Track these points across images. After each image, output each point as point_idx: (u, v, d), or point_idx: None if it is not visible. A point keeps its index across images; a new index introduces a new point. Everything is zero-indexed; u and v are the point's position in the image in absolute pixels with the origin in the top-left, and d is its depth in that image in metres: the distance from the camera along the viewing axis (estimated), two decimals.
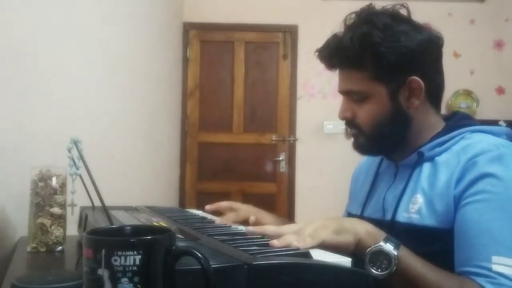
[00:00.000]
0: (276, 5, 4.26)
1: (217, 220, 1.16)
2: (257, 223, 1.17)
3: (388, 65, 1.02)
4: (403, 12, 1.07)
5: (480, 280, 0.86)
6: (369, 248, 0.86)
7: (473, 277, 0.87)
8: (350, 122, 1.10)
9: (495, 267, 0.86)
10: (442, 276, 0.88)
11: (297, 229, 0.86)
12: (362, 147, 1.11)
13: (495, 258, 0.87)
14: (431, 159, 1.04)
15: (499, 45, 4.28)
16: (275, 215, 1.28)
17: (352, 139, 1.13)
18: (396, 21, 1.04)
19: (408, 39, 1.02)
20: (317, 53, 1.09)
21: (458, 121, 1.10)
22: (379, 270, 0.85)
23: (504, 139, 1.03)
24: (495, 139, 1.01)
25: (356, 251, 0.87)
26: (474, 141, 1.00)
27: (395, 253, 0.86)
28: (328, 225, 0.87)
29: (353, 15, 1.07)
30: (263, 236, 0.86)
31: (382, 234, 0.90)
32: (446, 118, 1.13)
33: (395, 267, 0.85)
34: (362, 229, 0.89)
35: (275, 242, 0.80)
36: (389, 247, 0.86)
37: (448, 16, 4.18)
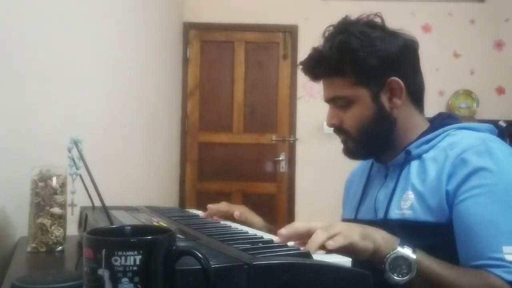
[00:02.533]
0: (276, 5, 4.26)
1: (202, 214, 1.22)
2: (243, 219, 1.20)
3: (368, 68, 1.07)
4: (378, 21, 1.12)
5: (496, 271, 0.88)
6: (388, 255, 0.86)
7: (489, 269, 0.89)
8: (338, 129, 1.14)
9: (508, 257, 0.88)
10: (459, 272, 0.90)
11: (327, 227, 0.84)
12: (352, 151, 1.15)
13: (505, 248, 0.89)
14: (419, 156, 1.08)
15: (499, 45, 4.28)
16: (269, 218, 1.31)
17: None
18: (371, 28, 1.09)
19: (384, 43, 1.07)
20: (300, 67, 1.14)
21: (442, 120, 1.14)
22: (400, 276, 0.85)
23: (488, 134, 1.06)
24: (479, 134, 1.05)
25: (370, 258, 0.86)
26: (459, 138, 1.04)
27: (414, 256, 0.86)
28: (355, 229, 0.87)
29: (331, 28, 1.12)
30: (296, 235, 0.85)
31: (396, 239, 0.90)
32: (431, 120, 1.17)
33: (415, 271, 0.85)
34: (380, 236, 0.88)
35: (312, 246, 0.79)
36: (407, 251, 0.86)
37: (448, 16, 4.18)
